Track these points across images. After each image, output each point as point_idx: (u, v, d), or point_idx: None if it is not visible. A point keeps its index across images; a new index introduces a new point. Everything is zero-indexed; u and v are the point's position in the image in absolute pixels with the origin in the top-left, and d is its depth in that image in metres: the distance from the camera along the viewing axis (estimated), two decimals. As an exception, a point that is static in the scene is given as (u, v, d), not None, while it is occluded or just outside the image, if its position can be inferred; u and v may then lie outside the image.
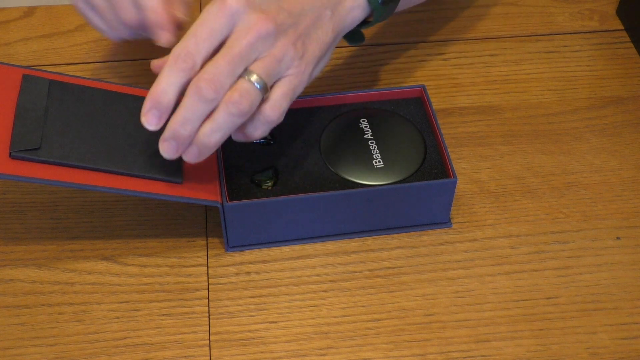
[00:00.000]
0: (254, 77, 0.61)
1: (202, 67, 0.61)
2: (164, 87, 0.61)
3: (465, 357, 0.64)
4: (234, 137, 0.64)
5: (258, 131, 0.64)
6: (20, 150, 0.63)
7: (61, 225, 0.72)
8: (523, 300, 0.67)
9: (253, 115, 0.63)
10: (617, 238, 0.71)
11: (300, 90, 0.65)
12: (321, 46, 0.65)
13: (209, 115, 0.61)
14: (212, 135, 0.62)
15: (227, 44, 0.61)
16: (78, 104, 0.68)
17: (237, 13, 0.61)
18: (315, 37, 0.65)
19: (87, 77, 0.72)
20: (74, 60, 0.85)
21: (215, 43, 0.62)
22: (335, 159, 0.71)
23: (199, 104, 0.61)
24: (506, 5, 0.91)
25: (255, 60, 0.62)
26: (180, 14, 0.71)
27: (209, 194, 0.67)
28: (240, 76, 0.61)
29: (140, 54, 0.86)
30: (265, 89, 0.62)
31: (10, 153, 0.63)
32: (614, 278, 0.68)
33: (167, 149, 0.63)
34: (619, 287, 0.68)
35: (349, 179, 0.70)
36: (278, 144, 0.73)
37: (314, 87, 0.82)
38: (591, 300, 0.67)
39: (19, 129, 0.64)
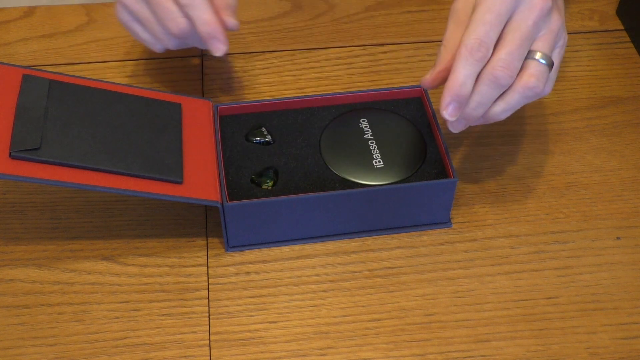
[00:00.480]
0: (541, 56, 0.63)
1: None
2: (463, 80, 0.62)
3: (465, 357, 0.64)
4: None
5: (526, 103, 0.65)
6: (20, 150, 0.63)
7: (61, 225, 0.72)
8: (523, 300, 0.67)
9: None
10: (617, 238, 0.71)
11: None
12: (563, 16, 0.67)
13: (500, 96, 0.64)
14: (503, 114, 0.65)
15: (513, 27, 0.62)
16: (78, 104, 0.68)
17: None
18: (562, 4, 0.67)
19: (87, 77, 0.72)
20: (74, 60, 0.85)
21: (502, 27, 0.62)
22: (335, 159, 0.71)
23: (495, 90, 0.63)
24: (506, 5, 0.91)
25: (537, 39, 0.63)
26: (229, 19, 0.72)
27: (209, 194, 0.67)
28: (528, 57, 0.63)
29: (140, 54, 0.86)
30: (552, 65, 0.63)
31: (10, 153, 0.63)
32: (614, 278, 0.68)
33: (456, 126, 0.66)
34: (619, 287, 0.68)
35: (348, 179, 0.70)
36: (278, 144, 0.73)
37: (314, 87, 0.82)
38: (591, 300, 0.67)
39: (19, 129, 0.64)
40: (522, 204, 0.73)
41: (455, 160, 0.76)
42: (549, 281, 0.68)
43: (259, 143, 0.73)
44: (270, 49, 0.86)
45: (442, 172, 0.70)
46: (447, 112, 0.63)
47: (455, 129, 0.66)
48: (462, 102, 0.63)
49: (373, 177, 0.70)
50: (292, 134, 0.73)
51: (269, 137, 0.73)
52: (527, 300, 0.67)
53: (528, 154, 0.77)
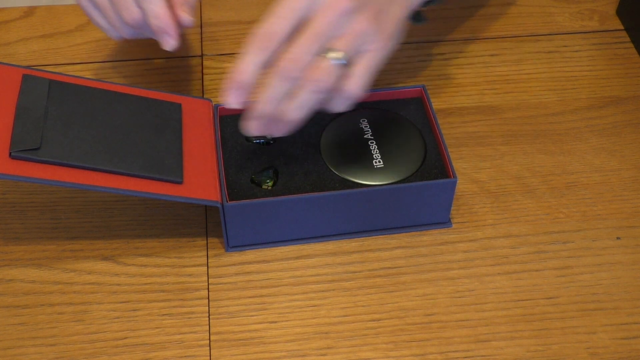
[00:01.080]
0: (334, 54, 0.62)
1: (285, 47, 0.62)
2: (244, 66, 0.62)
3: (465, 357, 0.64)
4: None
5: (340, 106, 0.65)
6: (20, 150, 0.63)
7: (61, 225, 0.72)
8: (523, 300, 0.67)
9: (335, 90, 0.63)
10: (617, 238, 0.71)
11: (380, 64, 0.65)
12: (396, 22, 0.66)
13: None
14: (296, 111, 0.63)
15: (308, 24, 0.62)
16: (78, 104, 0.68)
17: None
18: (391, 12, 0.65)
19: (87, 77, 0.72)
20: (74, 60, 0.85)
21: (294, 22, 0.62)
22: (335, 159, 0.71)
23: (282, 83, 0.62)
24: (506, 5, 0.91)
25: (336, 37, 0.62)
26: (184, 15, 0.71)
27: (209, 194, 0.67)
28: (321, 54, 0.62)
29: (140, 54, 0.86)
30: (346, 65, 0.62)
31: (10, 153, 0.63)
32: (614, 278, 0.68)
33: (254, 127, 0.65)
34: (619, 287, 0.68)
35: (348, 179, 0.70)
36: (278, 144, 0.73)
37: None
38: (591, 300, 0.67)
39: (19, 129, 0.64)
40: (522, 204, 0.73)
41: (455, 160, 0.76)
42: (549, 281, 0.68)
43: (259, 143, 0.73)
44: (270, 49, 0.86)
45: (442, 172, 0.70)
46: (227, 97, 0.63)
47: (254, 130, 0.65)
48: (243, 88, 0.63)
49: (373, 177, 0.70)
50: (292, 134, 0.73)
51: (269, 137, 0.73)
52: (527, 300, 0.67)
53: (528, 154, 0.77)
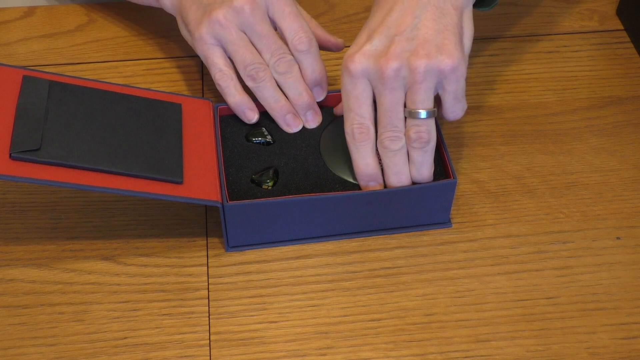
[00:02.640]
0: (413, 112, 0.65)
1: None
2: (364, 162, 0.68)
3: (465, 357, 0.64)
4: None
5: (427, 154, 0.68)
6: (21, 151, 0.63)
7: (61, 225, 0.72)
8: (523, 300, 0.67)
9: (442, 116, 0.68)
10: (617, 238, 0.71)
11: (463, 77, 0.66)
12: (455, 30, 0.66)
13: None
14: (422, 169, 0.68)
15: (378, 103, 0.66)
16: (78, 104, 0.68)
17: (364, 71, 0.65)
18: (443, 28, 0.65)
19: (87, 77, 0.72)
20: (74, 60, 0.85)
21: (368, 101, 0.66)
22: (335, 159, 0.71)
23: (395, 157, 0.67)
24: (505, 5, 0.91)
25: (406, 93, 0.65)
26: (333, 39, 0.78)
27: (209, 194, 0.67)
28: (406, 115, 0.66)
29: (140, 54, 0.86)
30: (432, 109, 0.65)
31: (10, 154, 0.63)
32: (614, 278, 0.68)
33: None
34: (619, 287, 0.68)
35: (348, 180, 0.70)
36: (278, 144, 0.73)
37: (314, 87, 0.82)
38: (591, 300, 0.67)
39: (19, 130, 0.64)
40: (522, 204, 0.73)
41: (455, 160, 0.76)
42: (549, 281, 0.68)
43: (259, 143, 0.73)
44: (270, 49, 0.86)
45: (442, 172, 0.70)
46: (372, 189, 0.69)
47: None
48: (379, 178, 0.69)
49: (373, 177, 0.70)
50: (292, 134, 0.73)
51: (269, 137, 0.73)
52: (527, 300, 0.67)
53: (528, 154, 0.77)
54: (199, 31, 0.72)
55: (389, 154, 0.67)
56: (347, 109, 0.67)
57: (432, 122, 0.66)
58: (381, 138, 0.66)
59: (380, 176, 0.68)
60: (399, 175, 0.68)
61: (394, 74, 0.64)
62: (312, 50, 0.72)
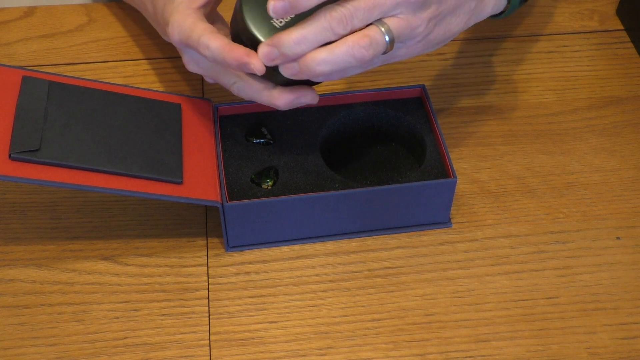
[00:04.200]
0: (386, 29, 0.60)
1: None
2: None
3: (465, 357, 0.64)
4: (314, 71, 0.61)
5: (351, 74, 0.62)
6: (20, 151, 0.63)
7: (61, 225, 0.72)
8: (523, 300, 0.67)
9: (363, 61, 0.61)
10: (617, 238, 0.71)
11: (398, 60, 0.64)
12: (446, 34, 0.65)
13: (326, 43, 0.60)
14: (323, 65, 0.60)
15: None
16: (78, 104, 0.68)
17: None
18: (447, 23, 0.64)
19: (86, 77, 0.72)
20: (74, 60, 0.85)
21: None
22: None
23: (324, 32, 0.59)
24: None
25: (391, 16, 0.60)
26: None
27: (209, 194, 0.67)
28: (373, 23, 0.60)
29: (140, 54, 0.86)
30: (389, 47, 0.60)
31: (10, 154, 0.63)
32: (614, 278, 0.68)
33: (266, 54, 0.60)
34: (619, 287, 0.68)
35: (348, 179, 0.70)
36: (278, 144, 0.73)
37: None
38: (591, 300, 0.67)
39: (18, 130, 0.64)
40: (522, 204, 0.73)
41: (455, 160, 0.76)
42: (549, 281, 0.68)
43: (259, 143, 0.73)
44: (270, 49, 0.86)
45: (442, 172, 0.70)
46: (272, 5, 0.58)
47: (265, 57, 0.60)
48: (292, 8, 0.58)
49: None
50: (292, 134, 0.73)
51: (269, 137, 0.73)
52: (527, 300, 0.67)
53: (528, 154, 0.77)
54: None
55: (324, 25, 0.59)
56: None
57: (381, 51, 0.61)
58: (338, 8, 0.59)
59: (297, 12, 0.59)
60: (301, 44, 0.59)
61: (416, 1, 0.60)
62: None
